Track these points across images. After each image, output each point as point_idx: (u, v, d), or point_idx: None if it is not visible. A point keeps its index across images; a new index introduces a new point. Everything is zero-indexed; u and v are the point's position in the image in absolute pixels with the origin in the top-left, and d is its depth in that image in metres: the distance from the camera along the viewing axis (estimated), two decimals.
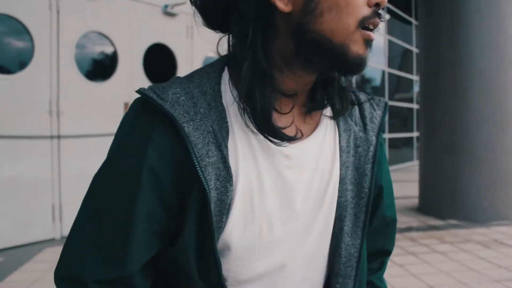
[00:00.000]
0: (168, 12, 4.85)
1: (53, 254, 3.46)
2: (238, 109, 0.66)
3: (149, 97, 0.64)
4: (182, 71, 4.89)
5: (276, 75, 0.67)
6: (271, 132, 0.65)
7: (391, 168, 9.98)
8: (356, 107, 0.81)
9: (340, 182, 0.75)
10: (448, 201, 4.66)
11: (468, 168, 4.52)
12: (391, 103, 9.93)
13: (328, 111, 0.77)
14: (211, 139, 0.64)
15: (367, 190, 0.77)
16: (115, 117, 4.38)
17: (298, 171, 0.71)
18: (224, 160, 0.65)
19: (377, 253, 0.91)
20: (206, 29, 0.75)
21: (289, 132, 0.67)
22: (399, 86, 11.12)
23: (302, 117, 0.74)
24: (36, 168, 3.85)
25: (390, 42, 10.37)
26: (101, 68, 4.55)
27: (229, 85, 0.69)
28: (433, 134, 4.87)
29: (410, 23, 11.36)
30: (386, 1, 0.65)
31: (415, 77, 11.55)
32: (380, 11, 0.65)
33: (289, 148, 0.70)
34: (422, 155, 5.15)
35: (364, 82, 9.81)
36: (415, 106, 11.49)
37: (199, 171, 0.62)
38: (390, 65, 10.35)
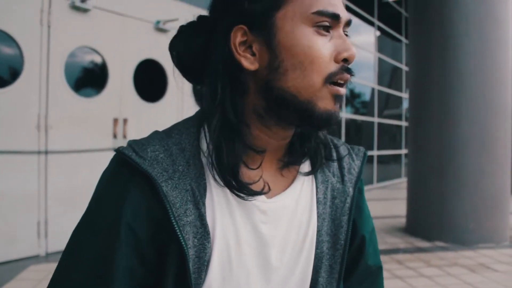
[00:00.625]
0: (160, 28, 4.85)
1: (37, 273, 3.40)
2: (207, 164, 0.68)
3: (128, 157, 0.65)
4: (173, 87, 4.88)
5: (246, 131, 0.69)
6: (238, 187, 0.66)
7: (379, 185, 10.05)
8: (333, 149, 0.83)
9: (317, 234, 0.76)
10: (435, 223, 4.68)
11: (455, 191, 4.55)
12: (380, 120, 10.02)
13: (307, 163, 0.79)
14: (189, 198, 0.65)
15: (342, 242, 0.78)
16: (104, 133, 4.36)
17: (274, 226, 0.72)
18: (202, 218, 0.66)
19: None
20: None
21: (257, 187, 0.69)
22: (388, 103, 11.21)
23: (279, 171, 0.75)
24: (22, 183, 3.80)
25: (380, 59, 10.47)
26: (91, 83, 4.53)
27: (206, 140, 0.69)
28: (421, 156, 4.91)
29: (400, 41, 11.49)
30: (354, 56, 0.66)
31: (404, 95, 11.66)
32: (350, 66, 0.67)
33: (265, 203, 0.71)
34: (410, 176, 5.18)
35: (354, 97, 9.87)
36: (404, 123, 11.58)
37: (177, 230, 0.63)
38: (380, 82, 10.44)
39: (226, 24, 0.67)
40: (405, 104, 11.75)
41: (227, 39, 0.67)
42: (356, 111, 9.89)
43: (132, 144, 0.68)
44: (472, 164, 4.50)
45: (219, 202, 0.69)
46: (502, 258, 4.08)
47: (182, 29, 0.74)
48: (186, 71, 0.75)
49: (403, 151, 11.60)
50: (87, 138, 4.21)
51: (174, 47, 0.73)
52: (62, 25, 4.04)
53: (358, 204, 0.85)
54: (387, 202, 7.75)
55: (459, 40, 4.56)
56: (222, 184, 0.67)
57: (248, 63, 0.67)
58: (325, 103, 0.65)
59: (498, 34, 4.58)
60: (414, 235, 4.88)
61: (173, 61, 0.74)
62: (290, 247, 0.74)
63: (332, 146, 0.82)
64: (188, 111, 4.97)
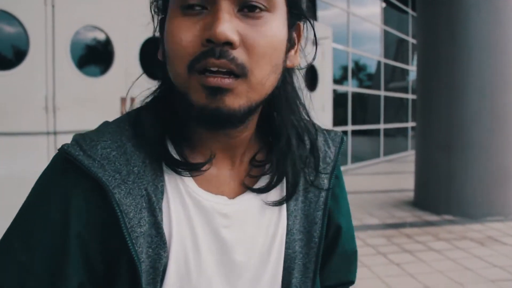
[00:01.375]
0: None
1: None
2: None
3: (74, 158, 0.57)
4: None
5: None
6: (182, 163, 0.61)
7: (386, 158, 10.06)
8: (308, 142, 0.72)
9: (287, 234, 0.68)
10: (443, 196, 4.69)
11: (463, 165, 4.55)
12: (386, 93, 9.95)
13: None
14: (144, 204, 0.58)
15: (317, 240, 0.70)
16: (112, 112, 4.35)
17: (238, 229, 0.65)
18: (158, 226, 0.59)
19: (339, 286, 0.83)
20: None
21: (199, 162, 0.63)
22: (394, 76, 11.12)
23: (243, 168, 0.68)
24: (32, 164, 3.82)
25: (385, 32, 10.34)
26: (97, 62, 4.51)
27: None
28: (429, 131, 4.90)
29: (406, 12, 11.31)
30: (219, 35, 0.52)
31: (411, 67, 11.55)
32: (219, 48, 0.53)
33: (227, 206, 0.64)
34: (418, 151, 5.17)
35: (360, 70, 9.79)
36: (410, 96, 11.51)
37: (129, 243, 0.56)
38: (386, 55, 10.34)
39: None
40: (412, 77, 11.66)
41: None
42: (362, 84, 9.80)
43: (79, 140, 0.60)
44: (481, 139, 4.49)
45: (175, 208, 0.61)
46: (510, 231, 4.11)
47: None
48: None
49: (410, 124, 11.56)
50: (95, 118, 4.13)
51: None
52: (66, 4, 4.00)
53: (334, 192, 0.76)
54: (394, 175, 7.77)
55: (468, 11, 4.48)
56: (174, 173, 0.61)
57: (159, 53, 0.63)
58: (196, 96, 0.55)
59: (506, 5, 4.49)
60: (422, 208, 4.90)
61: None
62: (258, 250, 0.67)
63: (307, 133, 0.73)
64: None
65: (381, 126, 10.04)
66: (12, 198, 3.62)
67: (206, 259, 0.63)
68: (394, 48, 11.19)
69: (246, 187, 0.66)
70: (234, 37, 0.52)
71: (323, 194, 0.71)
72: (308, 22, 0.68)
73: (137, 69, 4.58)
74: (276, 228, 0.68)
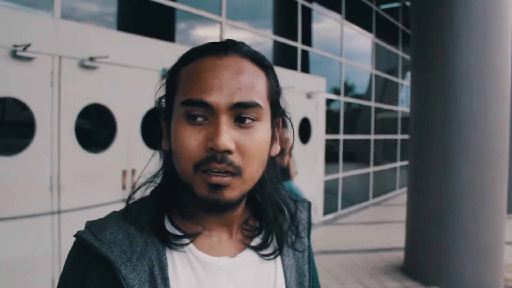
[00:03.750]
0: (165, 75, 4.92)
1: None
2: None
3: (87, 241, 0.68)
4: None
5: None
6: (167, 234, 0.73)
7: (375, 200, 10.23)
8: (287, 212, 0.88)
9: (286, 285, 0.81)
10: (433, 268, 4.86)
11: (453, 239, 4.73)
12: (376, 137, 10.14)
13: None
14: (147, 278, 0.68)
15: None
16: (114, 186, 4.47)
17: (239, 283, 0.76)
18: None
19: None
20: None
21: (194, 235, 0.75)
22: (384, 118, 11.34)
23: (241, 233, 0.81)
24: (37, 245, 3.91)
25: (376, 76, 10.57)
26: (100, 138, 4.62)
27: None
28: (420, 201, 5.07)
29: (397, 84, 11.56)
30: (220, 146, 0.65)
31: (400, 108, 11.80)
32: (219, 155, 0.66)
33: (229, 263, 0.75)
34: (409, 222, 5.34)
35: (351, 116, 9.94)
36: (399, 136, 11.74)
37: None
38: (377, 99, 10.56)
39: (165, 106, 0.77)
40: (400, 114, 11.90)
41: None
42: (353, 130, 9.98)
43: (90, 226, 0.71)
44: (470, 213, 4.67)
45: (184, 271, 0.71)
46: None
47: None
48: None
49: (398, 163, 11.80)
50: (97, 193, 4.32)
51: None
52: (71, 84, 4.11)
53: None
54: (383, 227, 7.92)
55: (460, 94, 4.69)
56: (183, 250, 0.73)
57: (164, 143, 0.76)
58: (200, 190, 0.68)
59: (497, 89, 4.72)
60: (412, 277, 5.06)
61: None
62: None
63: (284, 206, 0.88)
64: None
65: (371, 169, 10.23)
66: (16, 278, 3.71)
67: None
68: (382, 89, 11.42)
69: (245, 244, 0.80)
70: (231, 146, 0.66)
71: (306, 250, 0.89)
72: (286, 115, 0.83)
73: (139, 140, 4.70)
74: (275, 281, 0.80)
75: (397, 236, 6.81)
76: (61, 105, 4.05)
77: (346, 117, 9.15)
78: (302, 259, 0.87)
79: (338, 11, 9.00)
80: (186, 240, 0.73)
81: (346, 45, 9.17)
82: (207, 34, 6.26)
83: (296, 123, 7.30)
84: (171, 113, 0.72)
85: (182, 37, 5.77)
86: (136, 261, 0.68)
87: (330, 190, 8.57)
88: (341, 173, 8.99)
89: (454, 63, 4.75)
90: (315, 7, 8.32)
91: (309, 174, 7.52)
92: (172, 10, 5.56)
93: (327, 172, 8.35)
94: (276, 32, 7.51)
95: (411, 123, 5.42)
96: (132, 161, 4.63)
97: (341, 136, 8.94)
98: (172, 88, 0.74)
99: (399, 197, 10.84)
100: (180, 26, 5.83)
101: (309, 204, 0.96)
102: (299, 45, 7.77)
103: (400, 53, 11.65)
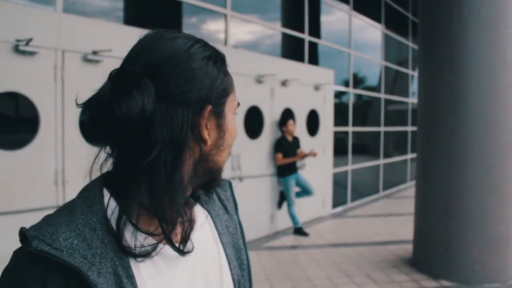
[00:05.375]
0: None
1: None
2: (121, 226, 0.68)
3: (44, 252, 0.61)
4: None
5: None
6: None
7: (385, 193, 10.15)
8: (214, 193, 0.95)
9: (229, 262, 0.87)
10: (441, 262, 4.80)
11: (461, 232, 4.66)
12: (386, 129, 10.04)
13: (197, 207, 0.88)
14: (113, 279, 0.65)
15: (246, 261, 0.93)
16: None
17: (195, 268, 0.79)
18: None
19: None
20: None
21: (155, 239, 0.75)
22: (395, 107, 11.24)
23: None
24: None
25: (386, 68, 10.46)
26: None
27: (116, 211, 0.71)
28: (429, 195, 5.00)
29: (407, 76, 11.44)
30: None
31: (410, 100, 11.67)
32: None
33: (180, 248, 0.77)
34: (417, 215, 5.27)
35: (360, 108, 9.86)
36: (409, 128, 11.62)
37: None
38: (386, 90, 10.46)
39: (195, 100, 0.70)
40: (411, 106, 11.78)
41: (197, 114, 0.71)
42: (362, 122, 9.90)
43: (38, 235, 0.63)
44: (479, 207, 4.59)
45: (145, 266, 0.71)
46: None
47: (124, 87, 0.67)
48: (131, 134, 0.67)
49: (409, 156, 11.69)
50: None
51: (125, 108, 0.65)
52: (75, 79, 4.11)
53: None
54: (393, 219, 7.86)
55: (467, 85, 4.60)
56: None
57: (208, 138, 0.74)
58: (221, 175, 0.82)
59: (507, 81, 4.62)
60: (421, 270, 5.00)
61: (120, 125, 0.66)
62: (212, 277, 0.82)
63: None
64: None
65: (381, 161, 10.14)
66: None
67: None
68: (393, 81, 11.31)
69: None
70: None
71: (238, 226, 0.96)
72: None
73: None
74: (219, 258, 0.86)
75: (406, 229, 6.74)
76: (64, 99, 4.05)
77: (355, 109, 9.08)
78: (236, 235, 0.94)
79: (346, 1, 8.90)
80: (149, 247, 0.71)
81: (354, 37, 9.08)
82: (212, 27, 6.22)
83: (303, 115, 7.25)
84: (217, 109, 0.75)
85: (187, 30, 5.74)
86: (99, 264, 0.64)
87: (339, 183, 8.52)
88: (350, 166, 8.92)
89: (462, 54, 4.65)
90: None
91: (317, 166, 7.48)
92: (176, 3, 5.52)
93: (336, 164, 8.29)
94: (283, 23, 7.44)
95: (419, 116, 5.33)
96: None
97: (350, 128, 8.87)
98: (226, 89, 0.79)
99: (410, 189, 10.72)
100: (184, 19, 5.79)
101: (230, 183, 1.03)
102: (306, 37, 7.70)
103: (410, 44, 11.50)
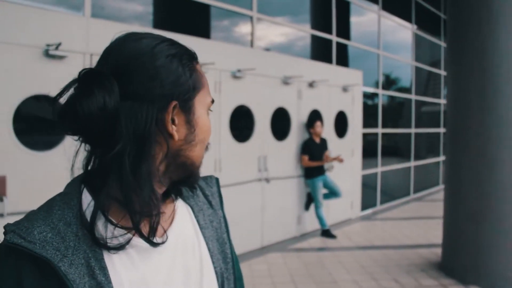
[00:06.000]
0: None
1: None
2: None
3: (17, 245, 0.66)
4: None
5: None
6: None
7: (416, 195, 9.96)
8: (198, 189, 0.97)
9: (211, 256, 0.88)
10: (471, 267, 4.67)
11: (491, 237, 4.53)
12: (417, 130, 9.86)
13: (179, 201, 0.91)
14: (85, 270, 0.69)
15: (230, 255, 0.94)
16: None
17: (171, 260, 0.81)
18: (100, 285, 0.69)
19: None
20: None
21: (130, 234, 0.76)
22: (425, 111, 11.03)
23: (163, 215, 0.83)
24: None
25: (417, 68, 10.28)
26: None
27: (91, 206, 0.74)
28: (458, 198, 4.88)
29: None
30: None
31: (442, 101, 11.43)
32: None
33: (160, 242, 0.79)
34: (446, 219, 5.16)
35: (390, 108, 9.73)
36: (441, 130, 11.38)
37: None
38: (417, 91, 10.27)
39: (159, 96, 0.73)
40: (443, 107, 11.53)
41: (162, 110, 0.73)
42: (393, 124, 9.76)
43: (15, 229, 0.69)
44: (510, 211, 4.45)
45: (119, 258, 0.73)
46: None
47: (85, 86, 0.70)
48: (94, 135, 0.72)
49: (441, 158, 11.43)
50: None
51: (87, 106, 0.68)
52: None
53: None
54: (423, 222, 7.71)
55: (499, 84, 4.48)
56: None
57: (175, 133, 0.76)
58: (199, 170, 0.85)
59: None
60: (450, 275, 4.89)
61: (79, 121, 0.69)
62: (193, 270, 0.84)
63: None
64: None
65: (412, 163, 9.96)
66: None
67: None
68: (426, 82, 11.09)
69: (168, 222, 0.85)
70: None
71: (222, 220, 0.98)
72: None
73: None
74: (200, 252, 0.87)
75: (437, 232, 6.59)
76: None
77: (384, 111, 8.95)
78: (221, 229, 0.95)
79: (375, 1, 8.80)
80: (122, 239, 0.74)
81: (384, 37, 8.96)
82: (238, 29, 6.26)
83: (331, 117, 7.21)
84: (185, 105, 0.78)
85: (214, 32, 5.79)
86: (72, 256, 0.68)
87: (368, 185, 8.42)
88: (380, 168, 8.80)
89: (493, 53, 4.53)
90: None
91: (346, 168, 7.41)
92: (204, 6, 5.58)
93: (365, 166, 8.20)
94: (312, 25, 7.42)
95: (448, 117, 5.22)
96: None
97: (379, 130, 8.75)
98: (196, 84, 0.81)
99: (442, 192, 10.48)
100: (212, 22, 5.85)
101: (217, 179, 1.05)
102: (334, 38, 7.65)
103: (442, 44, 11.26)
